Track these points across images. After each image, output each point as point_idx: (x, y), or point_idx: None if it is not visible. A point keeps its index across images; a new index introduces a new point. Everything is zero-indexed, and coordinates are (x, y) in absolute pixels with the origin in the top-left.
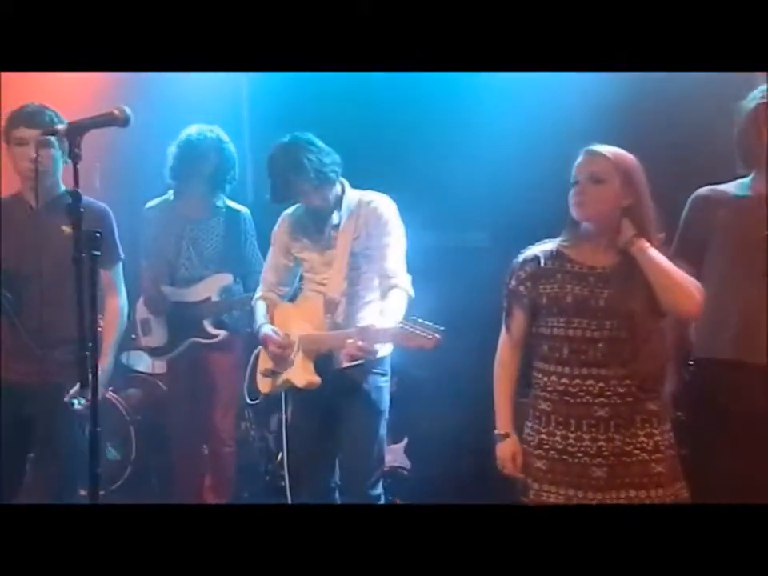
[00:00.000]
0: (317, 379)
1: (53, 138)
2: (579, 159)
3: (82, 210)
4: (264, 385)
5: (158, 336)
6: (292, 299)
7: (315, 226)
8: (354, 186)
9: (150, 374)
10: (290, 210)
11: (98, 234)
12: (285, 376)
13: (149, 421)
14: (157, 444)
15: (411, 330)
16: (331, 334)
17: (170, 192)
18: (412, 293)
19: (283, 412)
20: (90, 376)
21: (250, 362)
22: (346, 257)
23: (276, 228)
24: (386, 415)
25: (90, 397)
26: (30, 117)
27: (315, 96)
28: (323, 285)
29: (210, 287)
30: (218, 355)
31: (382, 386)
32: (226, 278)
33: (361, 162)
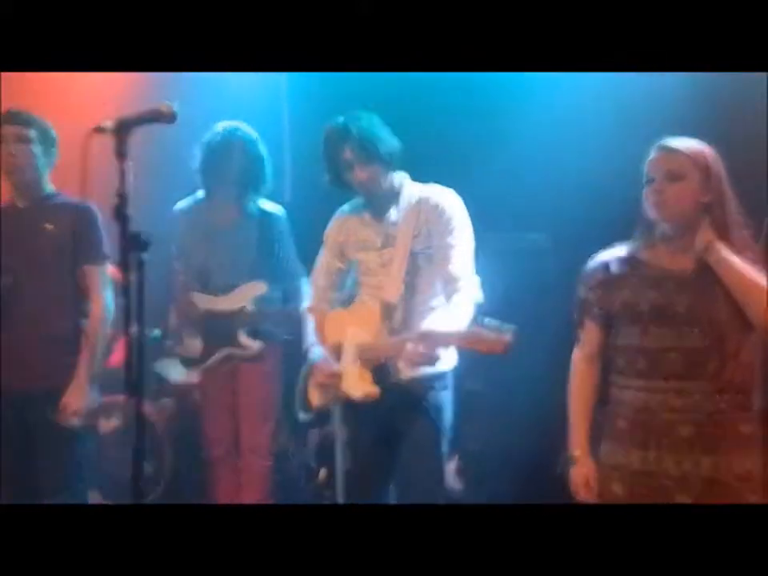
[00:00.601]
0: (375, 390)
1: (32, 133)
2: (652, 155)
3: (128, 213)
4: (316, 397)
5: (191, 345)
6: (346, 305)
7: (372, 222)
8: None
9: (184, 384)
10: (344, 206)
11: (143, 237)
12: (340, 388)
13: (183, 433)
14: (191, 458)
15: (480, 331)
16: (389, 341)
17: (200, 192)
18: (480, 297)
19: (336, 426)
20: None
21: (301, 379)
22: (406, 257)
23: (328, 228)
24: (448, 433)
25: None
26: (11, 116)
27: (358, 94)
28: (380, 288)
29: (244, 296)
30: (254, 366)
31: (444, 402)
32: (261, 287)
33: (409, 162)
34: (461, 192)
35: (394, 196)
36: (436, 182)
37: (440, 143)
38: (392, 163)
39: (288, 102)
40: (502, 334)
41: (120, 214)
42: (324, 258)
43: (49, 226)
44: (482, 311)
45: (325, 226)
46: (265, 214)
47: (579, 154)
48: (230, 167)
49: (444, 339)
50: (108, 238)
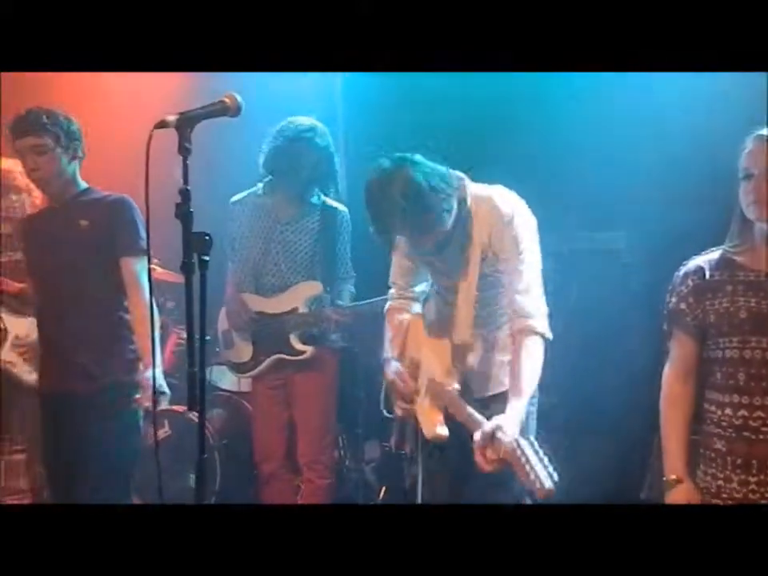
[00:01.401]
0: (445, 433)
1: (49, 141)
2: (749, 148)
3: (191, 210)
4: (399, 409)
5: (240, 350)
6: (423, 302)
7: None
8: None
9: (235, 393)
10: None
11: (206, 237)
12: (415, 413)
13: (235, 446)
14: (243, 473)
15: (527, 465)
16: (460, 409)
17: (259, 185)
18: (550, 335)
19: (418, 449)
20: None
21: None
22: (474, 290)
23: None
24: None
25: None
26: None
27: (413, 95)
28: (448, 291)
29: (298, 297)
30: (308, 375)
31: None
32: (316, 287)
33: (473, 161)
34: (529, 191)
35: (457, 221)
36: (502, 182)
37: (508, 141)
38: (445, 218)
39: (343, 102)
40: (546, 483)
41: (182, 212)
42: (395, 257)
43: (84, 222)
44: (552, 323)
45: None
46: (328, 208)
47: (659, 151)
48: (302, 160)
49: (504, 452)
50: (141, 231)
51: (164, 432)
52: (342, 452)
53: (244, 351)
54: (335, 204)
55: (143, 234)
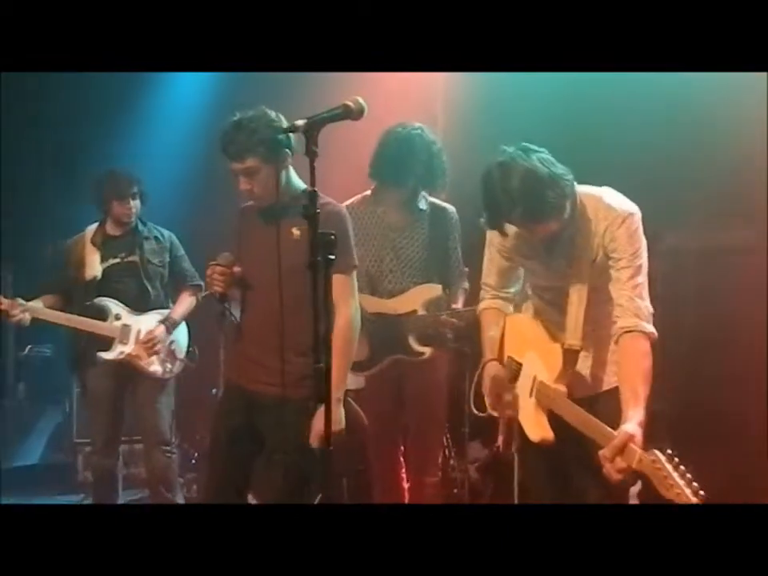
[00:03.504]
0: (550, 435)
1: (255, 162)
2: None
3: (318, 210)
4: (493, 410)
5: (358, 350)
6: (519, 304)
7: (540, 244)
8: None
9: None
10: None
11: (332, 237)
12: (516, 415)
13: (342, 442)
14: (351, 469)
15: (669, 479)
16: (573, 412)
17: (368, 192)
18: (656, 335)
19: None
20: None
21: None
22: (585, 292)
23: None
24: None
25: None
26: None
27: (513, 93)
28: (551, 293)
29: (416, 299)
30: (424, 375)
31: None
32: (434, 289)
33: (586, 164)
34: (643, 189)
35: (567, 220)
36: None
37: (614, 142)
38: (563, 212)
39: (442, 102)
40: (692, 499)
41: (309, 213)
42: (488, 256)
43: (296, 231)
44: (668, 321)
45: (477, 230)
46: (436, 209)
47: None
48: (414, 166)
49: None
50: (352, 246)
51: None
52: (447, 451)
53: (361, 350)
54: (443, 204)
55: (353, 247)
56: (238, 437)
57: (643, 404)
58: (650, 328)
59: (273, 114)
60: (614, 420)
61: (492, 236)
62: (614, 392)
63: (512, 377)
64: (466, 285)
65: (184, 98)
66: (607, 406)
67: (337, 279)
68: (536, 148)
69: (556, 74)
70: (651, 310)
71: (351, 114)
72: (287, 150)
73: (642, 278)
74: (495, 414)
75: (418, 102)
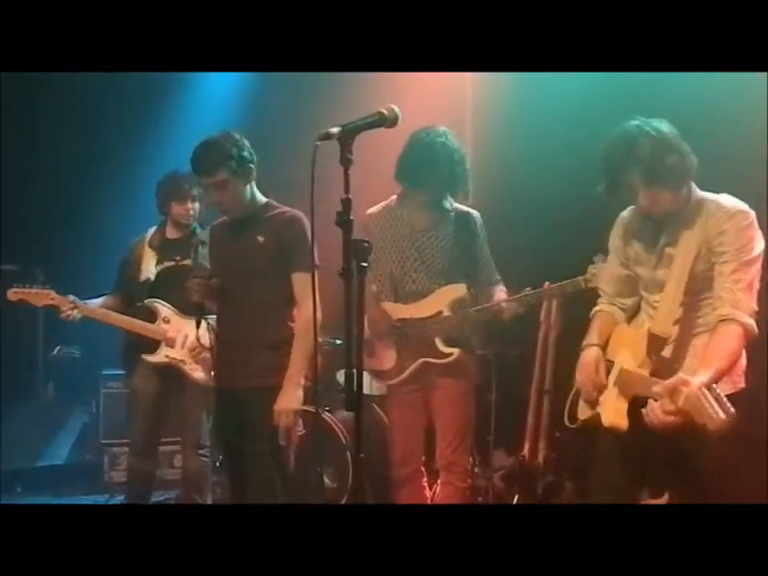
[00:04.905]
0: (623, 424)
1: (223, 175)
2: None
3: (352, 218)
4: (583, 411)
5: (383, 358)
6: (633, 316)
7: (648, 235)
8: None
9: (367, 395)
10: (624, 212)
11: (365, 244)
12: (598, 407)
13: (368, 447)
14: (376, 474)
15: (707, 405)
16: (640, 378)
17: (393, 198)
18: (754, 329)
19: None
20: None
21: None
22: (683, 283)
23: (612, 232)
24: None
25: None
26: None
27: (547, 95)
28: (654, 308)
29: (441, 300)
30: (450, 378)
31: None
32: (459, 289)
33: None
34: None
35: (675, 211)
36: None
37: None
38: (680, 180)
39: (472, 105)
40: (720, 414)
41: (343, 220)
42: (609, 264)
43: (261, 238)
44: None
45: (505, 232)
46: (460, 213)
47: None
48: (436, 170)
49: (686, 400)
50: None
51: (299, 431)
52: (471, 458)
53: (387, 358)
54: (466, 208)
55: (315, 249)
56: (230, 435)
57: (713, 373)
58: (748, 319)
59: (237, 135)
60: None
61: (613, 240)
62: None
63: (606, 372)
64: (500, 288)
65: (209, 98)
66: None
67: (299, 277)
68: (665, 122)
69: (574, 75)
70: (755, 307)
71: (386, 121)
72: (251, 165)
73: (748, 276)
74: (585, 418)
75: (446, 104)
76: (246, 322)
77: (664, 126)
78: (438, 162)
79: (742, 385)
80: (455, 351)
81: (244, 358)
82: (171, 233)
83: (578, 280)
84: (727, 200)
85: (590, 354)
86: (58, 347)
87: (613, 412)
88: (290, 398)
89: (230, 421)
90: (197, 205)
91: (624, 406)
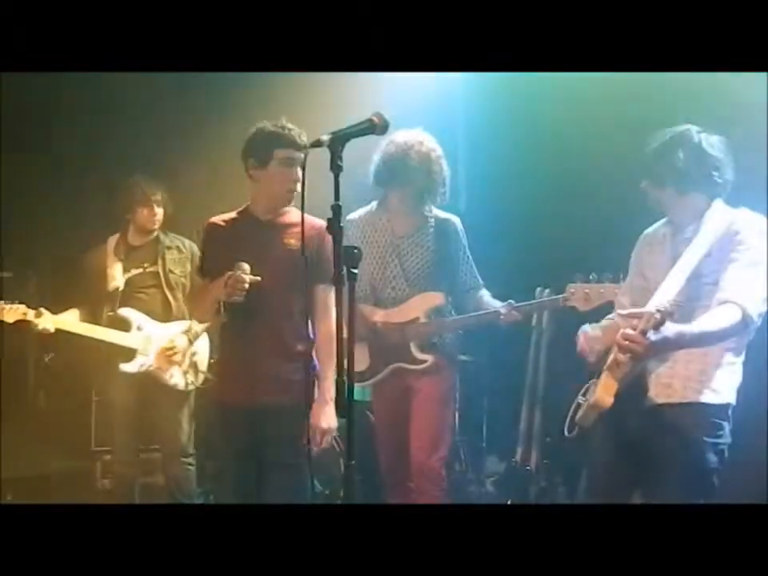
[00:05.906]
0: (608, 401)
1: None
2: None
3: (341, 225)
4: (584, 416)
5: (358, 360)
6: None
7: (669, 248)
8: None
9: (359, 402)
10: (649, 229)
11: (356, 251)
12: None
13: (358, 454)
14: (366, 481)
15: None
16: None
17: (373, 203)
18: (755, 318)
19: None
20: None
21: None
22: (687, 270)
23: (635, 248)
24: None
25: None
26: (295, 137)
27: (541, 96)
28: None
29: (419, 307)
30: (427, 383)
31: (714, 443)
32: (437, 298)
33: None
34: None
35: (696, 217)
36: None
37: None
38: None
39: (463, 107)
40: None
41: (334, 227)
42: (628, 275)
43: (292, 242)
44: None
45: (498, 238)
46: (440, 220)
47: None
48: (414, 175)
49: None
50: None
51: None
52: (463, 465)
53: (360, 361)
54: (446, 215)
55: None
56: (245, 454)
57: (687, 331)
58: (749, 305)
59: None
60: (688, 433)
61: (635, 253)
62: (694, 406)
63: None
64: (474, 296)
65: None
66: (684, 418)
67: (322, 290)
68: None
69: (571, 76)
70: (763, 307)
71: (376, 128)
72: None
73: (759, 275)
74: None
75: (437, 105)
76: (267, 332)
77: (706, 138)
78: (415, 162)
79: (731, 401)
80: (429, 358)
81: (264, 370)
82: (135, 239)
83: (557, 298)
84: (742, 216)
85: (595, 328)
86: (51, 354)
87: (602, 389)
88: (328, 418)
89: (250, 435)
90: (161, 210)
91: (613, 384)
